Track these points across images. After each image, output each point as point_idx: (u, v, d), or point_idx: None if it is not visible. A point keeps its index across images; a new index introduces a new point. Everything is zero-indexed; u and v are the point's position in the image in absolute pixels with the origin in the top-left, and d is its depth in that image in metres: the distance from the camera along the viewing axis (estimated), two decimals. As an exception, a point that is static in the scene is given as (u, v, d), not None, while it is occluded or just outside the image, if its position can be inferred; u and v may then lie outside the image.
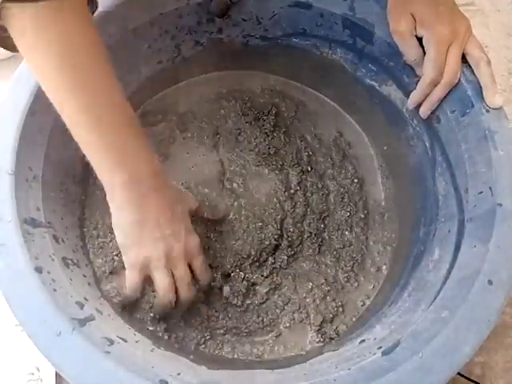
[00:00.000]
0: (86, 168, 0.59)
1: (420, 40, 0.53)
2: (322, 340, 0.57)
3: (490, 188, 0.48)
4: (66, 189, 0.55)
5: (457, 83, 0.53)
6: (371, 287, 0.62)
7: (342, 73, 0.67)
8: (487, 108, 0.51)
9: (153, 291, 0.51)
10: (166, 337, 0.54)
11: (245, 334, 0.57)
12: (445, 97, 0.54)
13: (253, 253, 0.59)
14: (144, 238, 0.47)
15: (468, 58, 0.52)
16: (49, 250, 0.47)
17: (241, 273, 0.58)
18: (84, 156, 0.58)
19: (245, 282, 0.58)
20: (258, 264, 0.60)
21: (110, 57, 0.58)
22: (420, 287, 0.50)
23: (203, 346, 0.56)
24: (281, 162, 0.66)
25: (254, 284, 0.59)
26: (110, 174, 0.45)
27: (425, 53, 0.53)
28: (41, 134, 0.51)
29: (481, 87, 0.51)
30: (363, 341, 0.48)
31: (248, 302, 0.58)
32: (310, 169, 0.67)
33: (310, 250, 0.63)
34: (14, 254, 0.43)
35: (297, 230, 0.62)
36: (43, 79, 0.42)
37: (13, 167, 0.47)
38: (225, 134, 0.68)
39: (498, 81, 0.51)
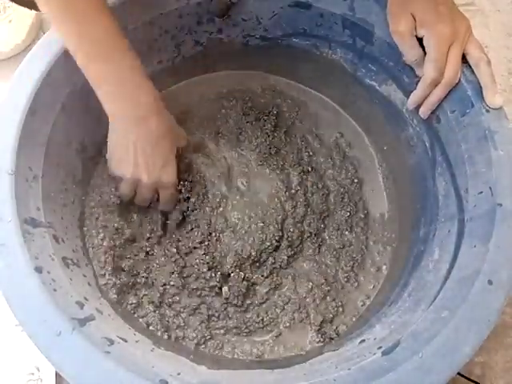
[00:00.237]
0: (86, 168, 0.59)
1: (420, 40, 0.53)
2: (321, 340, 0.57)
3: (490, 188, 0.48)
4: (65, 189, 0.55)
5: (457, 83, 0.53)
6: (371, 287, 0.62)
7: (341, 73, 0.67)
8: (487, 108, 0.51)
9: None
10: (166, 337, 0.54)
11: (245, 334, 0.57)
12: (445, 97, 0.54)
13: (253, 253, 0.59)
14: (123, 160, 0.53)
15: (468, 58, 0.52)
16: (49, 250, 0.46)
17: (241, 273, 0.58)
18: (84, 156, 0.59)
19: (245, 282, 0.58)
20: (258, 264, 0.60)
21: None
22: (420, 287, 0.50)
23: (203, 345, 0.56)
24: (282, 162, 0.66)
25: (254, 284, 0.59)
26: (111, 102, 0.50)
27: (425, 53, 0.53)
28: (41, 134, 0.51)
29: (481, 87, 0.51)
30: (363, 341, 0.48)
31: (248, 301, 0.59)
32: (310, 169, 0.67)
33: (310, 250, 0.63)
34: (14, 253, 0.43)
35: (297, 230, 0.62)
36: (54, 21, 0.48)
37: (13, 167, 0.47)
38: (226, 134, 0.68)
39: (497, 81, 0.51)
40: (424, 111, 0.56)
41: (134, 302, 0.55)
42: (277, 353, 0.56)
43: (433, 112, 0.56)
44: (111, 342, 0.42)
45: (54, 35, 0.52)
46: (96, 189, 0.60)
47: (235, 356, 0.56)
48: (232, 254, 0.59)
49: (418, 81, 0.55)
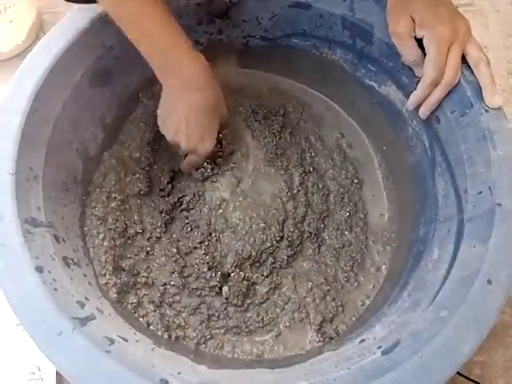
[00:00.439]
0: (87, 168, 0.59)
1: (419, 41, 0.53)
2: (321, 339, 0.57)
3: (490, 188, 0.48)
4: (66, 189, 0.55)
5: (456, 84, 0.53)
6: (371, 287, 0.62)
7: (341, 73, 0.67)
8: (486, 108, 0.51)
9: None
10: (166, 336, 0.54)
11: (245, 334, 0.57)
12: (444, 97, 0.54)
13: (253, 253, 0.59)
14: (167, 122, 0.58)
15: (467, 59, 0.52)
16: (49, 250, 0.47)
17: (241, 273, 0.58)
18: (85, 156, 0.59)
19: (245, 282, 0.58)
20: (258, 264, 0.60)
21: (111, 56, 0.59)
22: (419, 287, 0.50)
23: (203, 345, 0.56)
24: (286, 163, 0.66)
25: (254, 284, 0.60)
26: (159, 74, 0.54)
27: (424, 54, 0.53)
28: (41, 134, 0.51)
29: (480, 87, 0.51)
30: (363, 340, 0.48)
31: (248, 301, 0.59)
32: (311, 169, 0.67)
33: (310, 250, 0.63)
34: (15, 253, 0.43)
35: (297, 230, 0.62)
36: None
37: (13, 167, 0.47)
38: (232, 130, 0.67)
39: (497, 81, 0.51)
40: (423, 111, 0.56)
41: (135, 301, 0.56)
42: (277, 352, 0.57)
43: (432, 112, 0.56)
44: (112, 342, 0.42)
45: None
46: (97, 188, 0.60)
47: (235, 355, 0.56)
48: (232, 254, 0.59)
49: (418, 81, 0.55)
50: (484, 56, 0.52)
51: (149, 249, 0.59)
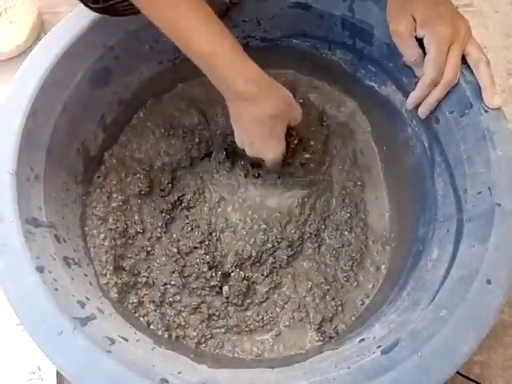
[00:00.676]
0: (87, 168, 0.60)
1: (419, 41, 0.53)
2: (321, 339, 0.57)
3: (489, 188, 0.48)
4: (67, 189, 0.55)
5: (456, 84, 0.53)
6: (370, 286, 0.62)
7: (341, 74, 0.67)
8: (486, 108, 0.51)
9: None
10: (166, 336, 0.54)
11: (245, 333, 0.57)
12: (444, 97, 0.54)
13: (254, 254, 0.59)
14: (237, 140, 0.57)
15: (467, 59, 0.52)
16: (50, 250, 0.47)
17: (241, 272, 0.59)
18: (85, 156, 0.59)
19: (245, 282, 0.58)
20: (258, 263, 0.60)
21: (112, 56, 0.59)
22: (419, 286, 0.50)
23: (204, 344, 0.56)
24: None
25: (254, 283, 0.60)
26: (217, 86, 0.52)
27: (424, 53, 0.53)
28: (42, 135, 0.51)
29: (480, 88, 0.51)
30: (362, 340, 0.48)
31: (248, 301, 0.59)
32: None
33: (310, 250, 0.63)
34: (16, 253, 0.43)
35: (298, 230, 0.62)
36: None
37: (14, 167, 0.47)
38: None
39: (496, 81, 0.52)
40: (423, 111, 0.56)
41: (135, 301, 0.56)
42: (277, 352, 0.57)
43: (432, 112, 0.56)
44: (112, 342, 0.43)
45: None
46: (97, 189, 0.60)
47: (235, 355, 0.56)
48: (232, 254, 0.59)
49: (418, 81, 0.55)
50: (484, 56, 0.52)
51: (149, 249, 0.60)
